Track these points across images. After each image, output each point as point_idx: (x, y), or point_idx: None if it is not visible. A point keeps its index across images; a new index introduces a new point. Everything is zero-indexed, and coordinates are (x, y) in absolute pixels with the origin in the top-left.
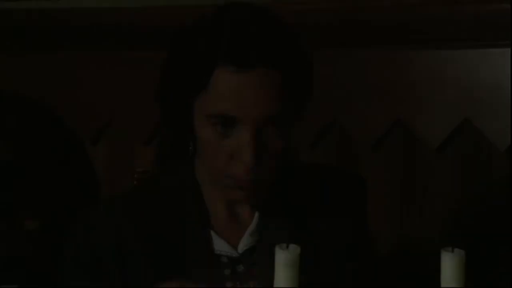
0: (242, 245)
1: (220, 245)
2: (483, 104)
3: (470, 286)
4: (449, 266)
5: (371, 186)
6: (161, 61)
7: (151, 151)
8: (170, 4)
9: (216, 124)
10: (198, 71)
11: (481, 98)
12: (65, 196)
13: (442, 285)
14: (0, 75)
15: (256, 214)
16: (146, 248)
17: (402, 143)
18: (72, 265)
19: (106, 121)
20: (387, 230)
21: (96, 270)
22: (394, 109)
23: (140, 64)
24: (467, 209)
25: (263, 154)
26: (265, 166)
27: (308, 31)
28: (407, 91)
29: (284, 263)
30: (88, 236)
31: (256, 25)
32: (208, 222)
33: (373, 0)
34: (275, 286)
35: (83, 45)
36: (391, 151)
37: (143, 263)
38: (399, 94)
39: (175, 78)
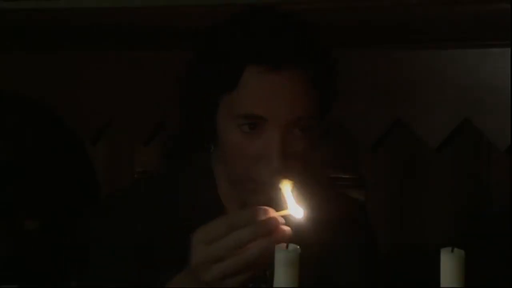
0: None
1: None
2: (483, 104)
3: (470, 286)
4: (449, 266)
5: (371, 186)
6: (163, 61)
7: (151, 151)
8: (170, 4)
9: (243, 125)
10: (228, 69)
11: (481, 98)
12: (65, 196)
13: (442, 285)
14: (0, 75)
15: None
16: (167, 239)
17: (402, 143)
18: (99, 253)
19: (106, 121)
20: (387, 230)
21: (123, 258)
22: (394, 109)
23: (140, 64)
24: (467, 209)
25: (289, 157)
26: (289, 170)
27: None
28: (407, 91)
29: (284, 263)
30: (112, 223)
31: (287, 27)
32: None
33: (373, 0)
34: (275, 286)
35: (83, 45)
36: (391, 151)
37: (165, 254)
38: (399, 94)
39: (203, 76)
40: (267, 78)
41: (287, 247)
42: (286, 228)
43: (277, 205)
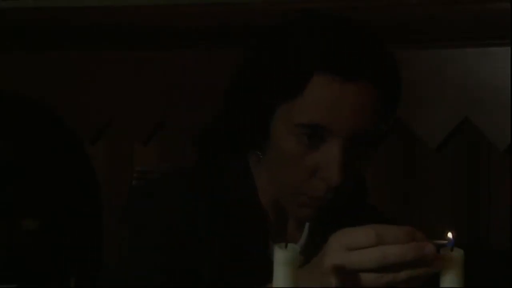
0: None
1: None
2: (482, 103)
3: (470, 286)
4: (448, 266)
5: (370, 185)
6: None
7: (150, 150)
8: (170, 4)
9: (303, 135)
10: (295, 75)
11: (480, 97)
12: (65, 196)
13: (442, 285)
14: (0, 75)
15: (306, 231)
16: (214, 233)
17: (402, 143)
18: (140, 238)
19: (105, 121)
20: None
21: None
22: None
23: (140, 64)
24: (467, 209)
25: (347, 174)
26: (344, 186)
27: None
28: (407, 91)
29: (283, 262)
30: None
31: (362, 38)
32: (267, 231)
33: (373, 0)
34: (274, 285)
35: (83, 44)
36: (391, 150)
37: (210, 247)
38: None
39: (264, 78)
40: (335, 88)
41: (286, 246)
42: (441, 259)
43: (320, 220)
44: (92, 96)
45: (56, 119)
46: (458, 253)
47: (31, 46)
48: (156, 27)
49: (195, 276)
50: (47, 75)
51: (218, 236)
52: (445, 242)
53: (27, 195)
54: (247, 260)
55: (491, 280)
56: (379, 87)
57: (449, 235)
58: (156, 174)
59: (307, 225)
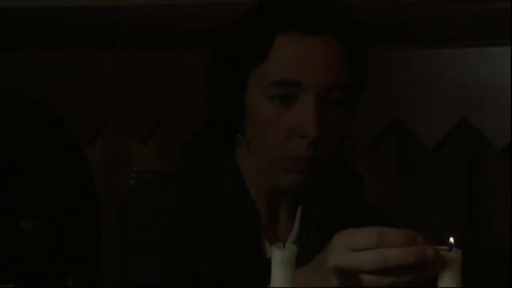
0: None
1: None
2: (481, 103)
3: (469, 286)
4: (446, 265)
5: (369, 185)
6: (162, 60)
7: (149, 150)
8: (170, 3)
9: (275, 98)
10: (260, 38)
11: (479, 97)
12: (63, 196)
13: (440, 285)
14: (0, 74)
15: (296, 224)
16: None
17: (400, 142)
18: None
19: (104, 120)
20: None
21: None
22: (392, 108)
23: (139, 64)
24: (466, 208)
25: (324, 130)
26: (324, 144)
27: None
28: (406, 90)
29: (281, 262)
30: (159, 210)
31: None
32: (259, 225)
33: (373, 0)
34: (272, 285)
35: (83, 45)
36: (389, 150)
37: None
38: (397, 93)
39: (233, 50)
40: (300, 43)
41: (283, 246)
42: (441, 261)
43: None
44: (91, 95)
45: (54, 119)
46: (456, 253)
47: (31, 46)
48: (156, 27)
49: (194, 276)
50: (46, 74)
51: (215, 235)
52: (446, 248)
53: (25, 194)
54: (243, 259)
55: (491, 280)
56: (343, 40)
57: (451, 239)
58: (153, 174)
59: (298, 215)
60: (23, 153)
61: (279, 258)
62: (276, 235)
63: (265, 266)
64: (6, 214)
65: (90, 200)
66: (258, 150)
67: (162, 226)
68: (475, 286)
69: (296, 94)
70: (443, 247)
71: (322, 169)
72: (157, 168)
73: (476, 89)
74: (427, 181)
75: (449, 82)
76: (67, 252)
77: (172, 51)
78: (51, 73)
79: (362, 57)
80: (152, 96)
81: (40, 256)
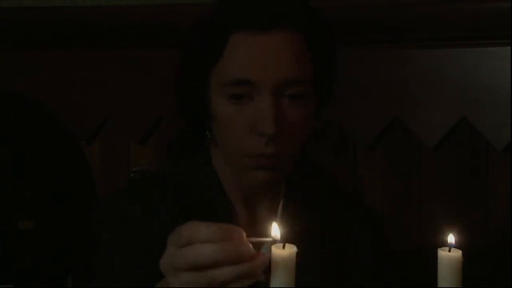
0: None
1: None
2: (481, 103)
3: (469, 287)
4: (446, 266)
5: (369, 185)
6: (160, 60)
7: (147, 150)
8: (170, 3)
9: (231, 97)
10: (213, 39)
11: (479, 97)
12: (61, 196)
13: (439, 285)
14: None
15: (278, 217)
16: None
17: (399, 142)
18: (114, 246)
19: (102, 120)
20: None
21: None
22: (392, 108)
23: (137, 63)
24: (465, 208)
25: (283, 126)
26: (285, 141)
27: None
28: (405, 90)
29: (280, 263)
30: (122, 220)
31: None
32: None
33: (373, 0)
34: (272, 285)
35: (81, 44)
36: (388, 150)
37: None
38: (396, 93)
39: (192, 50)
40: (252, 41)
41: (283, 247)
42: (261, 260)
43: (277, 187)
44: (90, 95)
45: (53, 119)
46: (456, 253)
47: (30, 45)
48: (156, 26)
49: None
50: (45, 74)
51: None
52: (268, 240)
53: (23, 194)
54: None
55: (491, 280)
56: (301, 34)
57: (451, 239)
58: (136, 174)
59: (279, 211)
60: (20, 153)
61: (279, 258)
62: (258, 232)
63: None
64: (4, 214)
65: (88, 200)
66: (224, 148)
67: (135, 233)
68: (475, 286)
69: (252, 92)
70: (263, 239)
71: (288, 165)
72: (145, 169)
73: (476, 89)
74: (427, 181)
75: (449, 82)
76: (67, 252)
77: (172, 51)
78: (51, 72)
79: (325, 51)
80: (151, 96)
81: (39, 257)
